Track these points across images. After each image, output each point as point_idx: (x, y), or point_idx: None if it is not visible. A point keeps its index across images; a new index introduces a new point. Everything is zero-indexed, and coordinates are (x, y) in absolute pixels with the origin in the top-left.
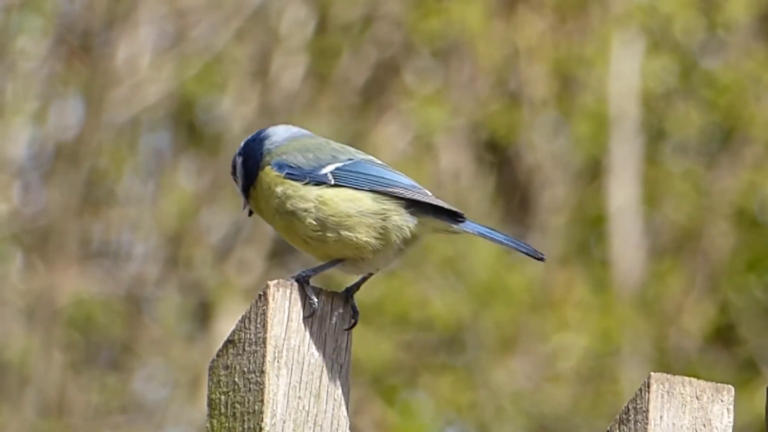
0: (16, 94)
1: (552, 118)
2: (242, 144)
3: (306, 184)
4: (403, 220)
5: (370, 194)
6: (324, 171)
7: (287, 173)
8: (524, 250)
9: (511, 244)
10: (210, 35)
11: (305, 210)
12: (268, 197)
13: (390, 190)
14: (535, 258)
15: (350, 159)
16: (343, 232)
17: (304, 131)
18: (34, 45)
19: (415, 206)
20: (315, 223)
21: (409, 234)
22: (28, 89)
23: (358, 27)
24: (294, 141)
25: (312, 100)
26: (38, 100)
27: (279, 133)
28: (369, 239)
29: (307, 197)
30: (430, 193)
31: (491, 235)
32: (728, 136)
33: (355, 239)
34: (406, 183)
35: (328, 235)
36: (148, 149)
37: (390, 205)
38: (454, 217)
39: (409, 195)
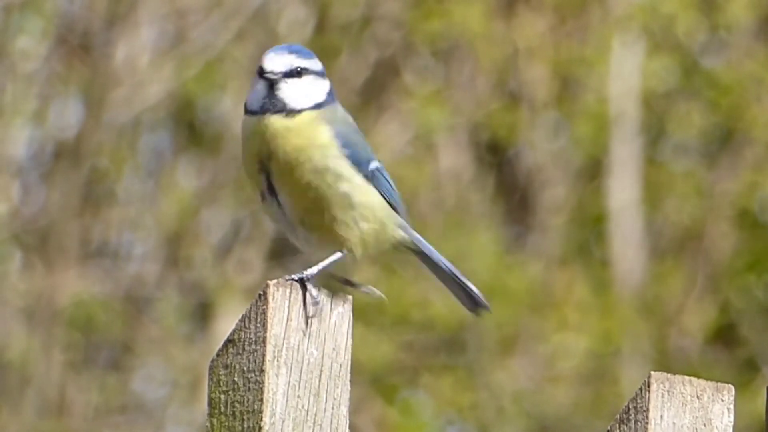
0: (16, 94)
1: (552, 119)
2: (290, 58)
3: (358, 171)
4: (390, 236)
5: (386, 204)
6: (371, 166)
7: (347, 152)
8: (471, 296)
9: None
10: (210, 35)
11: (347, 193)
12: (311, 156)
13: (396, 208)
14: (472, 311)
15: (380, 162)
16: (362, 224)
17: (332, 102)
18: (34, 45)
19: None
20: (347, 205)
21: (387, 247)
22: (28, 89)
23: (357, 27)
24: (334, 111)
25: None
26: (38, 100)
27: (315, 88)
28: (369, 239)
29: (354, 182)
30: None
31: (432, 256)
32: (729, 136)
33: (359, 233)
34: (401, 207)
35: (348, 221)
36: (148, 149)
37: (389, 221)
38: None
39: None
